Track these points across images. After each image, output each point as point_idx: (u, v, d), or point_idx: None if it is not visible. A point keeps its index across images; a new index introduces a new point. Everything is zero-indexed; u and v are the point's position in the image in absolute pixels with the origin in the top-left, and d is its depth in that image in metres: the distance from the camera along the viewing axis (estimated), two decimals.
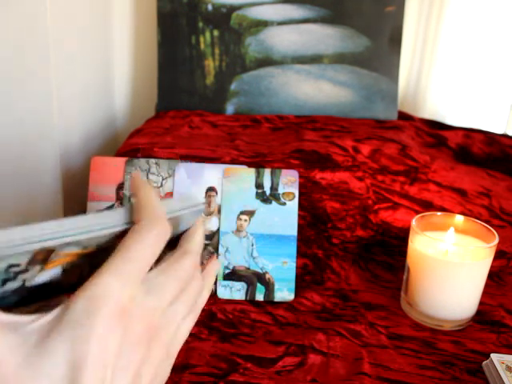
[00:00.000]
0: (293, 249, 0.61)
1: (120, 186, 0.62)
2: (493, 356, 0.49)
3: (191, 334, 0.52)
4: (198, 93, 0.91)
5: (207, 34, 0.90)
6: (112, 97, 0.99)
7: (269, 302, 0.60)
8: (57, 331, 0.21)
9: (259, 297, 0.60)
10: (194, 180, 0.62)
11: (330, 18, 0.91)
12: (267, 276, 0.61)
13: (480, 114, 1.00)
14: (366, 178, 0.72)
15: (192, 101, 0.92)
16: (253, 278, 0.60)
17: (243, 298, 0.60)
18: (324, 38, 0.91)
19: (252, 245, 0.61)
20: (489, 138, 0.89)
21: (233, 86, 0.91)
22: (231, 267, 0.61)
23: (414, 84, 1.02)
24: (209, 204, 0.61)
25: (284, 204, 0.62)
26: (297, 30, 0.91)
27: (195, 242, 0.30)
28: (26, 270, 0.24)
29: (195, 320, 0.30)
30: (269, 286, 0.60)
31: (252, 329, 0.55)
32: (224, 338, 0.53)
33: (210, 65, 0.91)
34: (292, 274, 0.61)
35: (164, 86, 0.92)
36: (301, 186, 0.67)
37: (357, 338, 0.54)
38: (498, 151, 0.87)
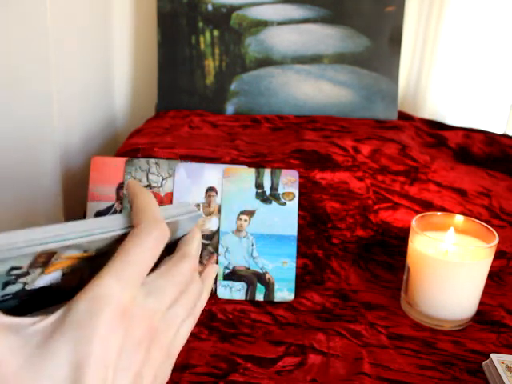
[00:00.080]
0: (293, 249, 0.61)
1: (120, 186, 0.62)
2: (493, 356, 0.49)
3: (191, 334, 0.52)
4: (198, 93, 0.92)
5: (207, 34, 0.90)
6: (112, 97, 0.99)
7: (269, 301, 0.60)
8: (59, 332, 0.22)
9: (259, 297, 0.60)
10: (193, 180, 0.62)
11: (330, 18, 0.91)
12: (267, 276, 0.61)
13: (480, 114, 1.00)
14: (366, 177, 0.72)
15: (192, 101, 0.92)
16: (253, 278, 0.61)
17: (243, 298, 0.60)
18: (324, 37, 0.91)
19: (252, 245, 0.61)
20: (489, 138, 0.89)
21: (233, 86, 0.91)
22: (231, 267, 0.61)
23: (414, 84, 1.02)
24: (209, 204, 0.61)
25: (284, 204, 0.62)
26: (297, 29, 0.91)
27: (193, 246, 0.31)
28: (27, 273, 0.24)
29: (195, 323, 0.30)
30: (269, 286, 0.60)
31: (252, 329, 0.55)
32: (224, 338, 0.53)
33: (210, 65, 0.91)
34: (292, 274, 0.61)
35: (164, 86, 0.92)
36: (301, 186, 0.67)
37: (357, 338, 0.54)
38: (498, 151, 0.87)
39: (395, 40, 0.91)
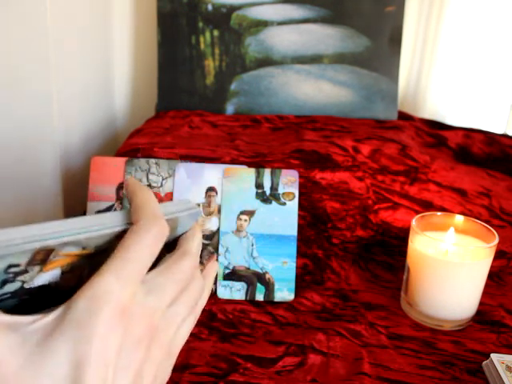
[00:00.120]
0: (293, 249, 0.61)
1: (120, 186, 0.62)
2: (493, 356, 0.49)
3: (191, 334, 0.52)
4: (198, 93, 0.92)
5: (207, 34, 0.90)
6: (112, 97, 0.99)
7: (269, 302, 0.60)
8: (59, 331, 0.22)
9: (259, 297, 0.60)
10: (193, 180, 0.62)
11: (330, 18, 0.91)
12: (267, 276, 0.61)
13: (480, 114, 1.00)
14: (366, 178, 0.72)
15: (192, 101, 0.92)
16: (253, 278, 0.60)
17: (243, 298, 0.60)
18: (324, 37, 0.91)
19: (252, 245, 0.61)
20: (489, 138, 0.89)
21: (233, 86, 0.91)
22: (231, 267, 0.61)
23: (414, 84, 1.02)
24: (209, 204, 0.61)
25: (284, 204, 0.62)
26: (297, 29, 0.91)
27: (194, 244, 0.30)
28: (25, 271, 0.24)
29: (195, 321, 0.30)
30: (269, 286, 0.60)
31: (252, 329, 0.55)
32: (224, 338, 0.53)
33: (210, 65, 0.91)
34: (292, 274, 0.61)
35: (164, 86, 0.92)
36: (301, 186, 0.67)
37: (357, 338, 0.54)
38: (498, 151, 0.87)
39: (395, 40, 0.91)
